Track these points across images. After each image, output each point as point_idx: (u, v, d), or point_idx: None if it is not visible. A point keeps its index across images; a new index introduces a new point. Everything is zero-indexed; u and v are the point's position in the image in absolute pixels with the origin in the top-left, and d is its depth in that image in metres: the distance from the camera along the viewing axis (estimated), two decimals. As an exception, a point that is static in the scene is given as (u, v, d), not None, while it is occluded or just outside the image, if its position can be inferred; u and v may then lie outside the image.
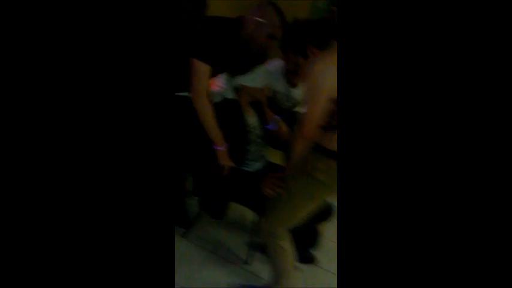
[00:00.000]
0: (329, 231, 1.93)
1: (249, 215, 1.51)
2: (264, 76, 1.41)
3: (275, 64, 1.64)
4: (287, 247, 1.25)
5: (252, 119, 1.50)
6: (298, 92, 1.70)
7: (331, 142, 1.08)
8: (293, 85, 1.65)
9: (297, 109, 1.80)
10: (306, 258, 1.66)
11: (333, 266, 1.70)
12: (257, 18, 1.20)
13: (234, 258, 1.64)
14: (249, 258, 1.62)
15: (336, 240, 1.89)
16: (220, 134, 1.33)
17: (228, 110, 1.41)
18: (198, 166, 1.56)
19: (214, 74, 1.30)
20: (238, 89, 1.45)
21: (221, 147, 1.34)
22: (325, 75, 0.99)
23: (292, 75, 1.56)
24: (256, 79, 1.40)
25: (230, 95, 1.47)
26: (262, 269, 1.58)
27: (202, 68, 1.22)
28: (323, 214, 1.57)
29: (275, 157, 1.78)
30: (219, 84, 1.50)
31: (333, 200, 1.21)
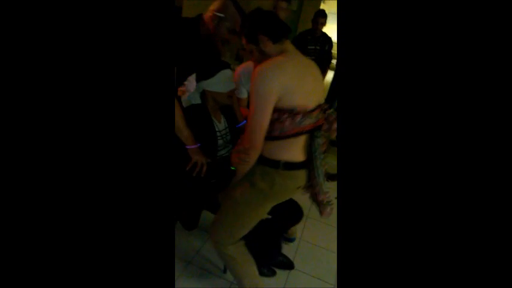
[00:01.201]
0: (305, 233, 1.98)
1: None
2: (227, 80, 1.39)
3: (248, 67, 1.63)
4: (235, 255, 1.24)
5: (220, 124, 1.48)
6: None
7: (270, 151, 1.08)
8: None
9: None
10: (283, 264, 1.67)
11: (310, 268, 1.74)
12: (217, 14, 1.21)
13: (212, 268, 1.62)
14: (226, 267, 1.61)
15: (312, 242, 1.93)
16: (191, 133, 1.28)
17: (195, 116, 1.37)
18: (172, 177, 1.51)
19: (178, 74, 1.27)
20: (203, 94, 1.42)
21: (193, 145, 1.29)
22: (266, 82, 0.97)
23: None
24: (219, 84, 1.38)
25: (197, 100, 1.44)
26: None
27: None
28: (294, 216, 1.59)
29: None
30: (187, 88, 1.47)
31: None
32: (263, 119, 1.01)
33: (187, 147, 1.28)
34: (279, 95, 0.99)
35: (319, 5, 4.12)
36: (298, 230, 1.91)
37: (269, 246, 1.57)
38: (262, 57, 1.09)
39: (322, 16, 2.82)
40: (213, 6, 1.25)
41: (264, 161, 1.10)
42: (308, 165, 1.17)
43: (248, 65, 1.66)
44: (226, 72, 1.39)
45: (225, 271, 1.59)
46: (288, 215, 1.53)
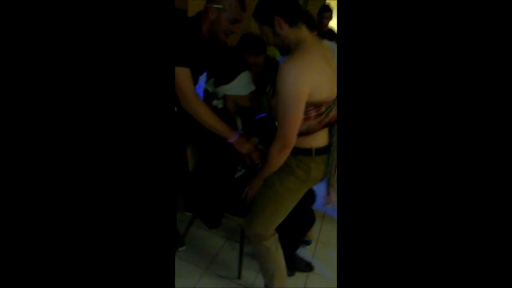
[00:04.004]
0: (322, 235, 1.93)
1: (241, 223, 1.49)
2: (248, 83, 1.38)
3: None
4: (273, 247, 1.27)
5: (239, 127, 1.47)
6: None
7: (301, 141, 1.09)
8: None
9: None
10: (302, 266, 1.63)
11: (328, 270, 1.69)
12: (215, 6, 1.17)
13: (227, 273, 1.60)
14: (241, 273, 1.59)
15: (329, 243, 1.88)
16: (226, 126, 1.24)
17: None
18: (199, 178, 1.48)
19: (194, 76, 1.25)
20: (224, 98, 1.41)
21: (235, 137, 1.26)
22: (296, 81, 0.95)
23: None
24: (239, 87, 1.37)
25: (221, 104, 1.42)
26: (254, 282, 1.55)
27: (182, 72, 1.17)
28: (309, 221, 1.56)
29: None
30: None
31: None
32: (296, 119, 1.01)
33: (229, 141, 1.25)
34: (309, 92, 0.99)
35: (324, 0, 4.05)
36: (314, 232, 1.87)
37: (289, 244, 1.53)
38: (277, 40, 1.05)
39: (327, 11, 2.76)
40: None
41: (297, 151, 1.12)
42: (330, 148, 1.19)
43: None
44: (246, 74, 1.37)
45: (239, 277, 1.57)
46: (301, 222, 1.52)
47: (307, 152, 1.13)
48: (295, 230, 1.54)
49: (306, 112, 1.03)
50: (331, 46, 1.18)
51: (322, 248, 1.85)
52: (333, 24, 2.94)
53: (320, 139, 1.15)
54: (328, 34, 2.86)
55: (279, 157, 1.09)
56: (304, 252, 1.73)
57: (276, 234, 1.29)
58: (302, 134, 1.08)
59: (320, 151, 1.15)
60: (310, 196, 1.49)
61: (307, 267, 1.64)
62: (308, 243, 1.80)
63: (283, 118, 1.01)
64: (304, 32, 1.04)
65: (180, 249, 1.68)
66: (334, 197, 1.31)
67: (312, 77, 0.97)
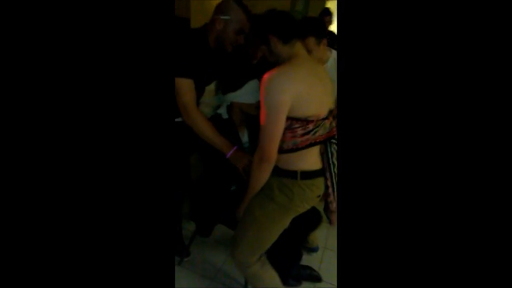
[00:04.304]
0: (329, 241, 1.89)
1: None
2: (255, 91, 1.37)
3: None
4: (259, 273, 1.21)
5: (244, 137, 1.45)
6: None
7: (286, 162, 1.04)
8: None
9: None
10: (310, 276, 1.60)
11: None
12: (222, 17, 1.18)
13: (234, 284, 1.56)
14: (247, 283, 1.56)
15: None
16: (225, 140, 1.24)
17: (220, 129, 1.34)
18: (201, 188, 1.48)
19: (197, 88, 1.25)
20: (230, 106, 1.41)
21: (231, 151, 1.25)
22: (276, 91, 0.93)
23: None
24: (247, 94, 1.36)
25: (226, 114, 1.41)
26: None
27: (184, 83, 1.17)
28: (313, 222, 1.52)
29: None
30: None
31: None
32: (275, 131, 0.96)
33: (227, 156, 1.24)
34: (291, 104, 0.95)
35: (325, 3, 4.05)
36: (321, 238, 1.83)
37: (290, 255, 1.51)
38: (273, 57, 1.05)
39: (327, 14, 2.76)
40: (216, 10, 1.22)
41: (281, 173, 1.06)
42: (325, 172, 1.12)
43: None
44: (254, 82, 1.37)
45: (245, 287, 1.54)
46: (306, 220, 1.45)
47: (292, 174, 1.05)
48: (295, 237, 1.49)
49: (292, 129, 1.00)
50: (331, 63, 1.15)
51: (330, 254, 1.81)
52: (333, 28, 2.93)
53: (308, 162, 1.07)
54: (329, 37, 2.85)
55: (259, 172, 1.03)
56: (310, 260, 1.69)
57: (263, 257, 1.23)
58: (288, 151, 1.03)
59: (307, 175, 1.07)
60: None
61: (315, 278, 1.60)
62: (315, 250, 1.77)
63: (262, 130, 0.98)
64: (298, 49, 1.04)
65: (186, 259, 1.66)
66: (335, 218, 1.26)
67: (295, 89, 0.94)
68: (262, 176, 1.04)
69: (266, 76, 0.95)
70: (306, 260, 1.65)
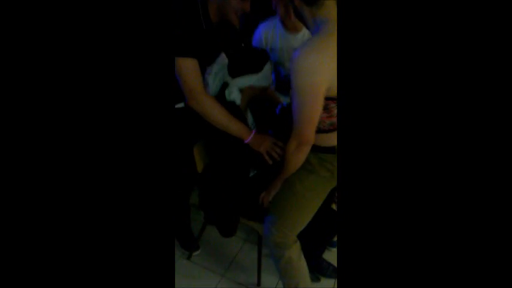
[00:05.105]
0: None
1: (257, 229, 1.36)
2: (270, 74, 1.30)
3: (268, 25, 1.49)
4: (295, 257, 1.14)
5: (249, 120, 1.34)
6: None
7: (322, 139, 1.01)
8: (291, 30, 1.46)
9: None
10: (330, 272, 1.48)
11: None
12: None
13: (246, 280, 1.47)
14: (261, 279, 1.46)
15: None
16: (242, 124, 1.10)
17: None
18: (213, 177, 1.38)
19: (202, 67, 1.11)
20: (241, 90, 1.29)
21: (250, 136, 1.11)
22: (312, 72, 0.83)
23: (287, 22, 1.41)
24: (264, 78, 1.28)
25: (238, 100, 1.28)
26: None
27: (188, 63, 1.02)
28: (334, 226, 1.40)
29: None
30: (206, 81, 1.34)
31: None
32: (313, 114, 0.90)
33: (246, 141, 1.11)
34: (329, 84, 0.86)
35: None
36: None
37: (317, 246, 1.45)
38: (301, 21, 0.96)
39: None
40: None
41: (318, 149, 1.03)
42: None
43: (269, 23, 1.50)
44: (269, 64, 1.29)
45: (259, 283, 1.45)
46: (330, 221, 1.36)
47: (331, 150, 1.02)
48: (324, 230, 1.40)
49: (329, 109, 0.93)
50: None
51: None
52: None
53: None
54: None
55: (297, 156, 0.98)
56: (330, 255, 1.56)
57: (298, 242, 1.16)
58: (324, 131, 0.99)
59: None
60: None
61: (334, 272, 1.49)
62: (334, 245, 1.64)
63: (298, 113, 0.90)
64: (328, 11, 0.86)
65: (195, 253, 1.58)
66: None
67: (330, 68, 0.83)
68: (301, 159, 1.00)
69: (298, 54, 0.83)
70: (325, 255, 1.53)
